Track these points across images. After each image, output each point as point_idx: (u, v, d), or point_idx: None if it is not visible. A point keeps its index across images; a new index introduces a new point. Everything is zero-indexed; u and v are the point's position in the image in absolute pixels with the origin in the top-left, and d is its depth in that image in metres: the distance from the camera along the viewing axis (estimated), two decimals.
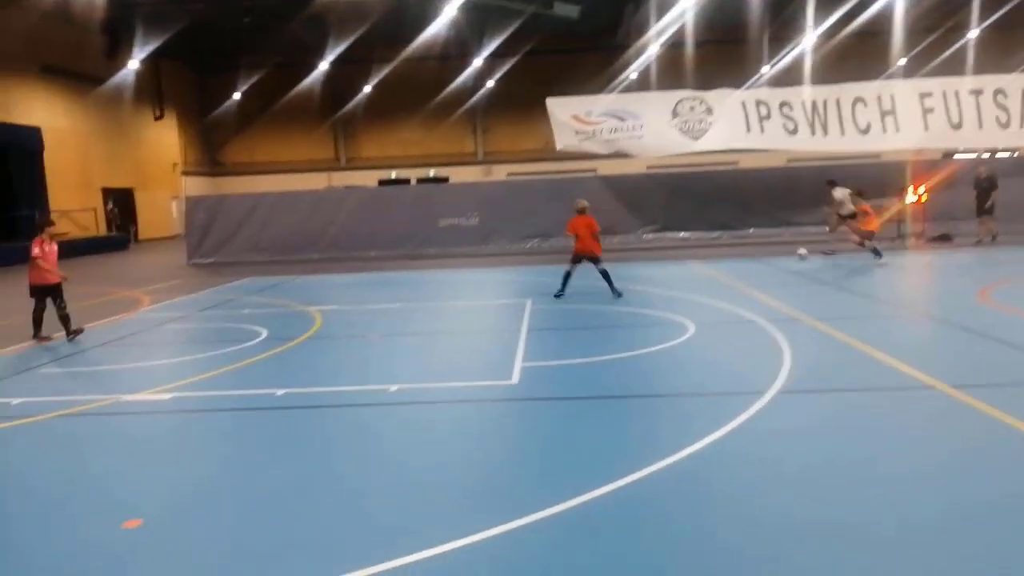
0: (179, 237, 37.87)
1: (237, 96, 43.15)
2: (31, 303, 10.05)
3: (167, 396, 6.94)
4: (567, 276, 11.68)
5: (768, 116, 19.31)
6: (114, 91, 34.19)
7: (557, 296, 11.67)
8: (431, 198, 22.30)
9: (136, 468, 5.26)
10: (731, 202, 20.67)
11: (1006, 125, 18.54)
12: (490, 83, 42.38)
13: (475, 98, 42.85)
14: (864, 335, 8.19)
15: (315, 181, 40.95)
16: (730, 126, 19.51)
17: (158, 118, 39.52)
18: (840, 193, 15.79)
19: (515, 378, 7.03)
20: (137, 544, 4.00)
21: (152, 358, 9.03)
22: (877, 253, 14.80)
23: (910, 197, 18.30)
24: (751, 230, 20.65)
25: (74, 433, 6.09)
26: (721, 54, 37.75)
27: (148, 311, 12.51)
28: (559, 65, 40.77)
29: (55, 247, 10.23)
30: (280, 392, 6.89)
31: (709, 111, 19.67)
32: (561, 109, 20.49)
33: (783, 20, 36.18)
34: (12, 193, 28.72)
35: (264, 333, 9.87)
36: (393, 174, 44.24)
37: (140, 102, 37.33)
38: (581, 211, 11.48)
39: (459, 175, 40.90)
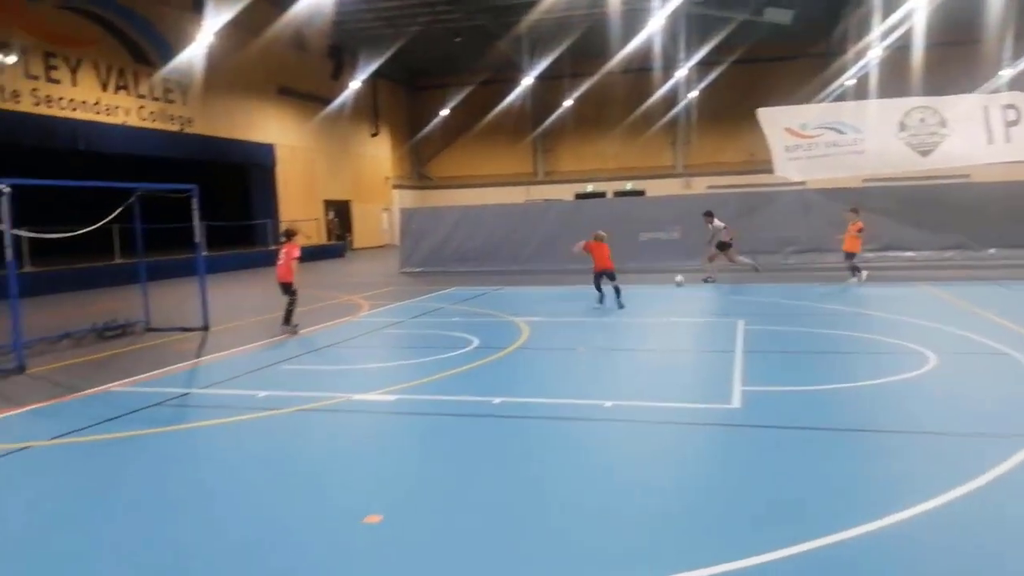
0: (388, 246, 40.40)
1: (444, 113, 45.34)
2: (282, 300, 11.49)
3: (392, 397, 7.28)
4: (598, 287, 13.44)
5: (1017, 121, 17.26)
6: (336, 110, 37.10)
7: (600, 303, 13.25)
8: (630, 211, 22.09)
9: (370, 465, 5.53)
10: (965, 219, 18.70)
11: None
12: (692, 94, 41.45)
13: (675, 110, 42.10)
14: None
15: (514, 194, 42.09)
16: (967, 138, 17.64)
17: (374, 135, 42.42)
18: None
19: (735, 402, 6.68)
20: (379, 540, 4.15)
21: (375, 360, 9.56)
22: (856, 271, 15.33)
23: None
24: (991, 250, 18.55)
25: (312, 427, 6.52)
26: (950, 57, 34.37)
27: (367, 315, 13.31)
28: (764, 74, 39.20)
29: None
30: (497, 400, 7.00)
31: (943, 123, 17.89)
32: (773, 121, 19.50)
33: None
34: (250, 204, 31.97)
35: (475, 341, 10.14)
36: (589, 187, 44.51)
37: (358, 120, 40.24)
38: (598, 239, 13.40)
39: (656, 188, 40.35)
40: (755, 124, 41.69)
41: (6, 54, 21.35)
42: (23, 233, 9.33)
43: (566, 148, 46.15)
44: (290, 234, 11.84)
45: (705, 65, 38.53)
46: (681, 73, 39.33)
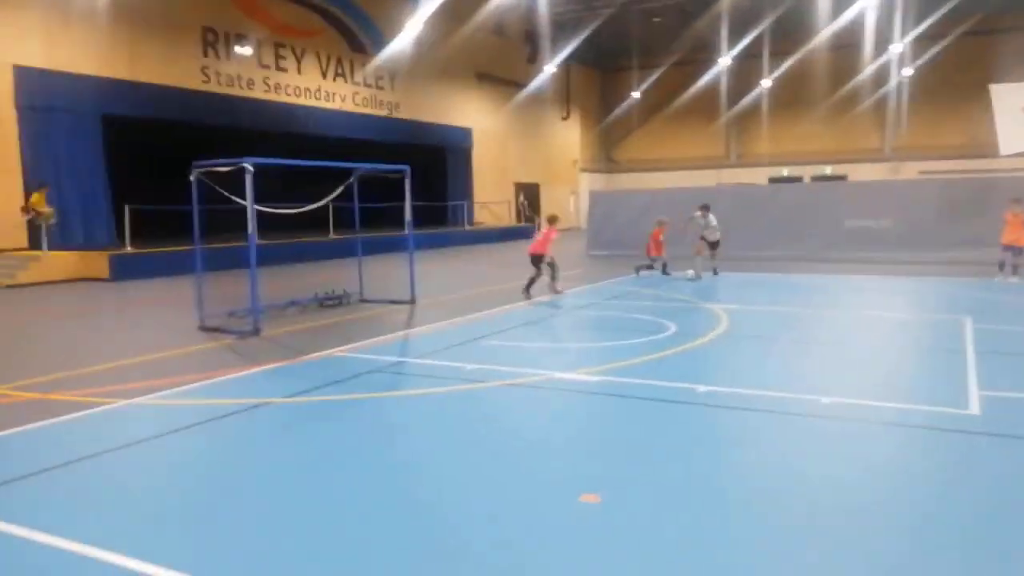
0: (573, 229, 40.70)
1: (635, 95, 44.81)
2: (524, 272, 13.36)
3: (595, 378, 7.33)
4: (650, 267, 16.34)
5: None
6: (529, 94, 37.75)
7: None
8: (833, 197, 20.77)
9: (581, 445, 5.60)
10: None
11: None
12: (907, 71, 38.14)
13: (886, 88, 38.93)
14: None
15: (704, 178, 40.90)
16: None
17: (564, 118, 42.75)
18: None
19: (974, 407, 6.10)
20: (598, 519, 4.20)
21: (573, 340, 9.69)
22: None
23: None
24: None
25: (520, 402, 6.72)
26: None
27: (560, 297, 13.47)
28: (991, 47, 35.23)
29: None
30: (701, 388, 6.86)
31: None
32: (1008, 98, 17.53)
33: None
34: (446, 185, 33.35)
35: (672, 327, 9.98)
36: (785, 171, 42.37)
37: (550, 104, 40.71)
38: (660, 224, 16.24)
39: (859, 173, 37.69)
40: (979, 103, 37.86)
41: (243, 46, 23.61)
42: (262, 208, 10.25)
43: (760, 130, 44.08)
44: (553, 219, 14.07)
45: (924, 40, 35.28)
46: (896, 48, 36.23)
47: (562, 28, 36.97)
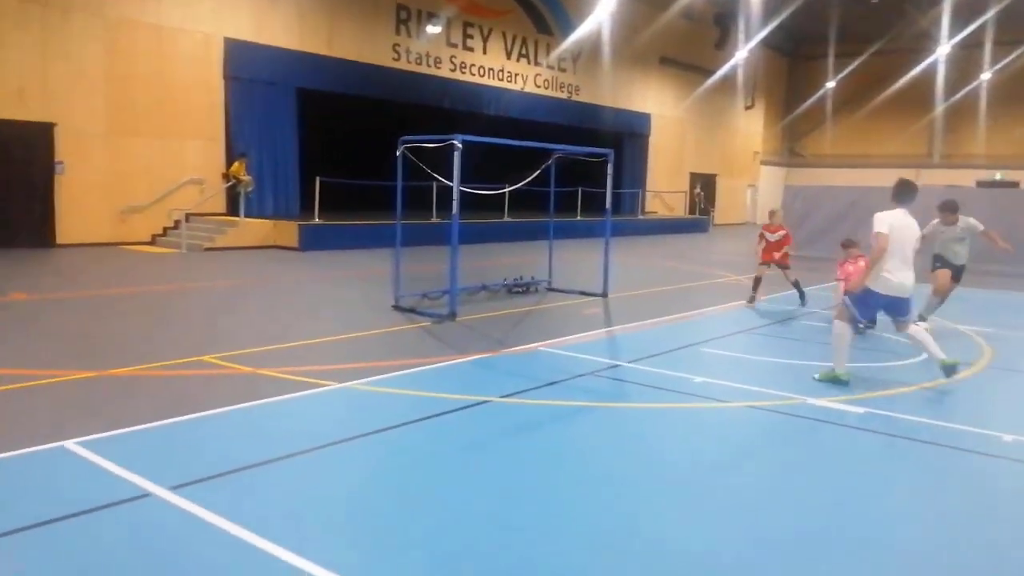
0: (748, 224, 38.43)
1: (829, 85, 41.64)
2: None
3: (860, 410, 6.16)
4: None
5: None
6: (714, 81, 35.80)
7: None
8: None
9: (868, 497, 4.51)
10: None
11: None
12: None
13: None
14: None
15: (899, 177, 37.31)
16: None
17: (748, 107, 40.36)
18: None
19: None
20: None
21: (806, 356, 8.46)
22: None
23: None
24: None
25: (780, 432, 5.70)
26: None
27: (763, 302, 12.11)
28: None
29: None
30: (1008, 438, 5.54)
31: None
32: None
33: None
34: (621, 172, 32.22)
35: (923, 353, 8.49)
36: (998, 175, 37.95)
37: (733, 92, 38.47)
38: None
39: None
40: None
41: (434, 24, 23.57)
42: (464, 188, 9.73)
43: (972, 128, 39.68)
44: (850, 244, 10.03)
45: None
46: None
47: (753, 11, 34.67)
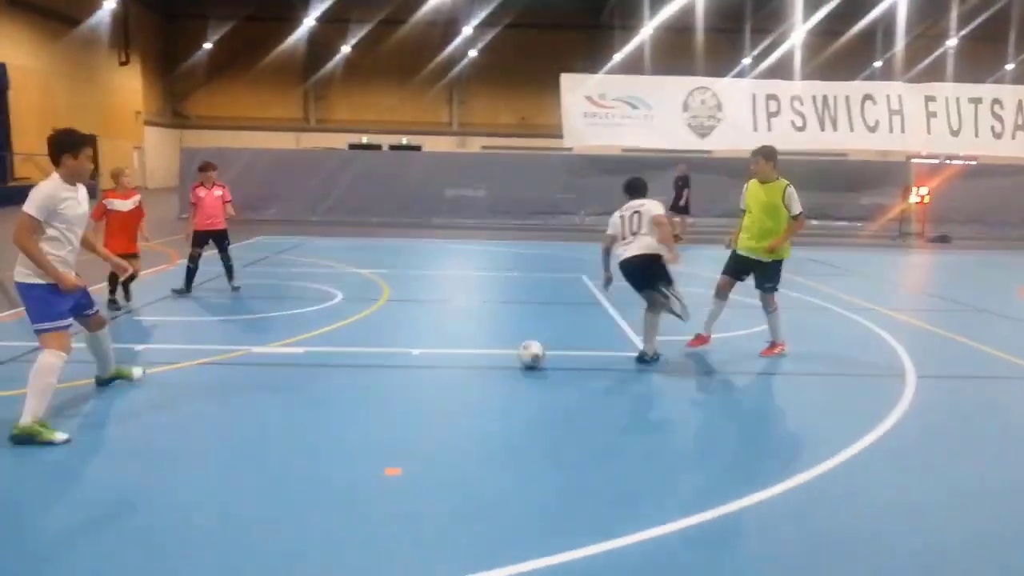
0: (140, 189, 36.49)
1: (206, 47, 41.63)
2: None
3: (300, 350, 6.84)
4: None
5: (778, 112, 19.66)
6: (81, 33, 32.55)
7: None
8: (437, 167, 22.02)
9: (382, 421, 5.21)
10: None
11: (999, 135, 19.48)
12: (472, 53, 41.90)
13: (456, 68, 42.34)
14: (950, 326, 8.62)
15: (282, 141, 40.03)
16: (737, 125, 19.63)
17: (123, 64, 37.82)
18: None
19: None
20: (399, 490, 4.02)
21: (250, 312, 8.82)
22: None
23: (913, 198, 19.05)
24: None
25: (232, 383, 5.95)
26: (708, 42, 37.65)
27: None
28: (542, 41, 40.76)
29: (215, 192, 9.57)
30: (416, 351, 6.88)
31: (719, 106, 19.84)
32: (575, 87, 20.42)
33: (766, 12, 36.67)
34: None
35: (339, 295, 9.69)
36: (364, 139, 43.54)
37: (106, 46, 35.56)
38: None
39: (432, 144, 40.59)
40: (529, 89, 43.20)
41: None
42: None
43: (341, 97, 44.62)
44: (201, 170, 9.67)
45: (485, 25, 39.14)
46: (465, 30, 39.48)
47: None
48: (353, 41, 41.06)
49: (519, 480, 4.23)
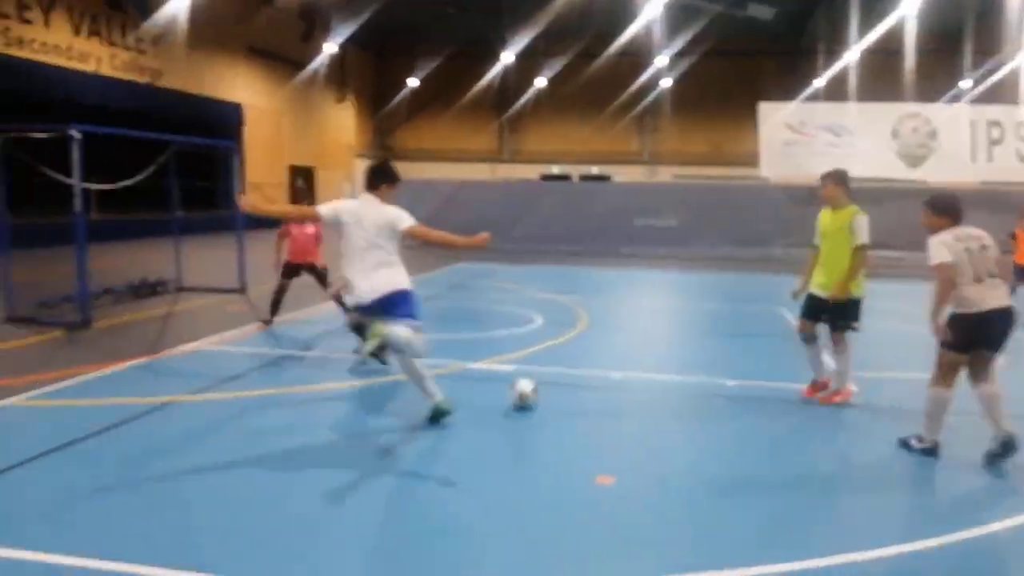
0: None
1: (411, 83, 44.73)
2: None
3: (511, 367, 7.32)
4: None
5: (1000, 140, 18.15)
6: (306, 75, 36.17)
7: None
8: (627, 196, 22.37)
9: (595, 434, 5.57)
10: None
11: None
12: (665, 82, 41.88)
13: (648, 98, 42.51)
14: None
15: (479, 172, 41.92)
16: (954, 155, 18.34)
17: (340, 101, 41.53)
18: None
19: None
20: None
21: (452, 331, 9.53)
22: None
23: None
24: None
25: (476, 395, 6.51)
26: (919, 65, 35.23)
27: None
28: (737, 67, 40.09)
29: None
30: (617, 375, 7.15)
31: (933, 134, 18.63)
32: (773, 115, 20.02)
33: (986, 30, 33.78)
34: (213, 165, 30.82)
35: (539, 319, 10.15)
36: (555, 169, 44.74)
37: (325, 85, 39.24)
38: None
39: (622, 174, 40.93)
40: (723, 117, 42.36)
41: None
42: (94, 186, 8.88)
43: (532, 128, 46.12)
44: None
45: (679, 56, 39.05)
46: (659, 60, 39.56)
47: (338, 6, 35.78)
48: (548, 75, 42.39)
49: (730, 496, 4.36)
